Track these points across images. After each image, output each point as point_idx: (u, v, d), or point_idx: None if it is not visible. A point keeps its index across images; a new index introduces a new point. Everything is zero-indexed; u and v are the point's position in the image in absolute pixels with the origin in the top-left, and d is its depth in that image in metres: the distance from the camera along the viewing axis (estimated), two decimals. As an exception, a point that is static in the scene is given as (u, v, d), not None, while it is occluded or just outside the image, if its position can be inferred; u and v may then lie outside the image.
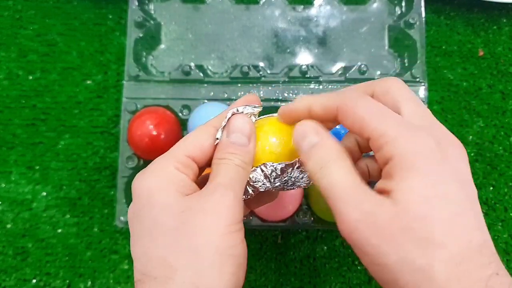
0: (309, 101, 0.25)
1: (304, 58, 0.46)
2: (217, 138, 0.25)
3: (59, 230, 0.44)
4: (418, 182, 0.20)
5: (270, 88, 0.43)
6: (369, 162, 0.27)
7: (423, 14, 0.44)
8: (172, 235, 0.22)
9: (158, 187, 0.23)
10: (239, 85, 0.43)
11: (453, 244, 0.19)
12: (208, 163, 0.26)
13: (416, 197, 0.19)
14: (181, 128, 0.43)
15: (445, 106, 0.47)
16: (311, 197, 0.41)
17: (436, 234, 0.19)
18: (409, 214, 0.19)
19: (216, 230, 0.22)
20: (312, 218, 0.41)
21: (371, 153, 0.23)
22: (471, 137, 0.46)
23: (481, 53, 0.48)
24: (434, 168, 0.20)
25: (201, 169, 0.26)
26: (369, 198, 0.21)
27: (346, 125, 0.23)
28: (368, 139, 0.22)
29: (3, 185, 0.45)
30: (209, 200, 0.23)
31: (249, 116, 0.26)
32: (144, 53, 0.45)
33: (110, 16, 0.48)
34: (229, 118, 0.26)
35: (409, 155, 0.20)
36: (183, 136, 0.33)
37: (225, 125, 0.26)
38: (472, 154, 0.46)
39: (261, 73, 0.43)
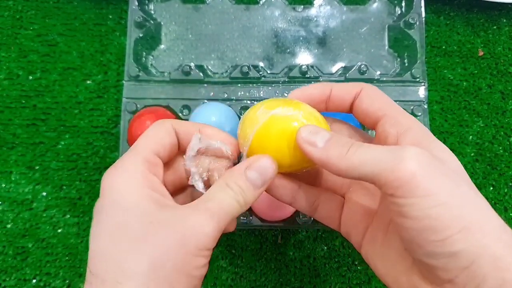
0: (330, 84, 0.27)
1: (304, 58, 0.46)
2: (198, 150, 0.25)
3: (59, 230, 0.44)
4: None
5: (270, 88, 0.43)
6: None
7: (423, 14, 0.44)
8: (134, 241, 0.21)
9: (128, 188, 0.23)
10: (239, 85, 0.43)
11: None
12: (166, 162, 0.26)
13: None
14: (181, 128, 0.42)
15: (445, 106, 0.47)
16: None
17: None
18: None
19: (181, 250, 0.21)
20: (312, 218, 0.41)
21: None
22: (471, 137, 0.46)
23: (481, 53, 0.48)
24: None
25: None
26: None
27: (364, 105, 0.26)
28: (384, 116, 0.25)
29: (3, 185, 0.45)
30: (189, 220, 0.22)
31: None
32: (144, 53, 0.45)
33: (110, 16, 0.48)
34: (248, 155, 0.25)
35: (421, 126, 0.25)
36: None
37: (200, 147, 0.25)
38: (472, 154, 0.46)
39: (261, 73, 0.43)
